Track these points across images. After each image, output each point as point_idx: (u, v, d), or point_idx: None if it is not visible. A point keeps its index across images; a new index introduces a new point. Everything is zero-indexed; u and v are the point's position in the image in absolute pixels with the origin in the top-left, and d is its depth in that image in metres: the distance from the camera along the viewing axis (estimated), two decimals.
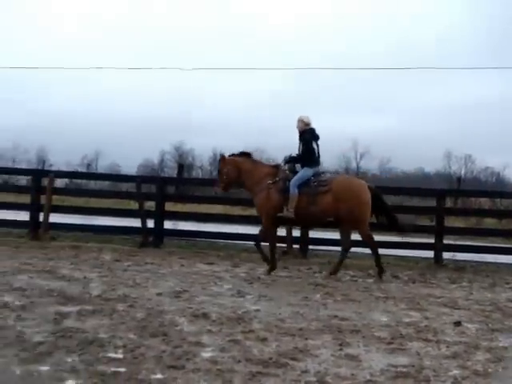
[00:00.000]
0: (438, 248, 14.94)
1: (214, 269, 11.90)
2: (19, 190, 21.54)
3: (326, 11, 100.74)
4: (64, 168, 41.60)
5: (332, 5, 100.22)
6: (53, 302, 7.77)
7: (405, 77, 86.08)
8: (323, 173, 12.34)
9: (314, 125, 12.06)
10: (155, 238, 15.48)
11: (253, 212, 13.87)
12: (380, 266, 11.79)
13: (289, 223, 12.16)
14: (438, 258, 14.81)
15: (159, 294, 8.67)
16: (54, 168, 38.04)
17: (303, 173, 11.71)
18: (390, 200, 22.47)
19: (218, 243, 15.81)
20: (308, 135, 11.88)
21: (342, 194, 11.42)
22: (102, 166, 68.58)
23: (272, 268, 11.73)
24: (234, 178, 12.18)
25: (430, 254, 15.02)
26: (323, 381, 5.14)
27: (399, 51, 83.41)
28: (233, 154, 12.40)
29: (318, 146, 11.97)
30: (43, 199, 15.79)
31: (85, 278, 9.81)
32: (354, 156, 74.90)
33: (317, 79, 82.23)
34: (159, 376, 5.04)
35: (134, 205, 16.77)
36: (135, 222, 15.64)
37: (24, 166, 57.79)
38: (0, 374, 4.88)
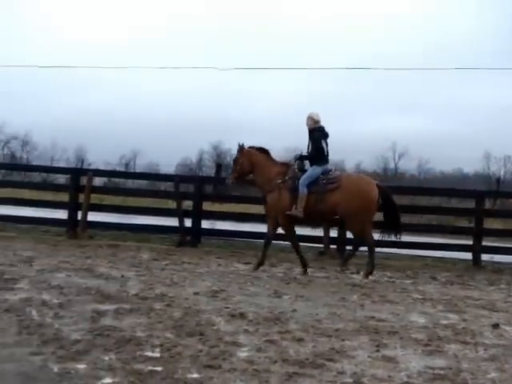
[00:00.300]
0: (477, 250, 14.82)
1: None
2: (58, 188, 21.68)
3: (366, 11, 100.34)
4: (102, 167, 41.80)
5: (375, 5, 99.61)
6: (90, 300, 7.82)
7: (444, 77, 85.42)
8: (331, 170, 12.25)
9: (323, 123, 12.03)
10: (193, 238, 15.51)
11: None
12: (345, 264, 11.89)
13: (297, 221, 12.10)
14: (476, 260, 14.68)
15: (196, 294, 8.68)
16: (92, 167, 38.24)
17: (312, 171, 11.71)
18: (430, 201, 22.29)
19: (256, 243, 15.74)
20: (317, 133, 11.85)
21: (350, 190, 11.41)
22: (140, 165, 68.93)
23: (304, 265, 11.78)
24: (247, 170, 12.30)
25: (469, 255, 14.90)
26: (360, 382, 5.12)
27: (436, 51, 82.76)
28: (252, 147, 12.43)
29: (327, 144, 11.93)
30: (81, 198, 15.89)
31: (122, 276, 9.85)
32: (393, 157, 74.56)
33: (355, 79, 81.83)
34: (195, 375, 5.04)
35: (172, 204, 16.81)
36: (173, 222, 15.69)
37: (62, 165, 58.37)
38: (38, 371, 4.91)
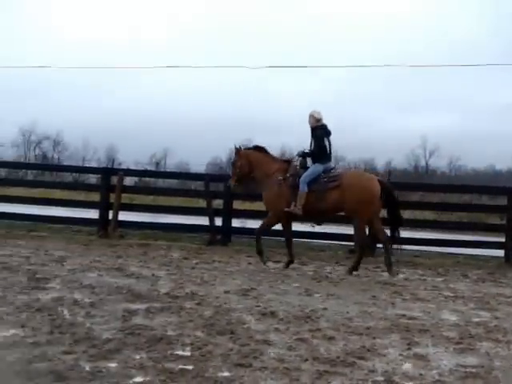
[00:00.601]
0: (509, 247, 14.68)
1: (282, 267, 11.87)
2: (89, 188, 21.82)
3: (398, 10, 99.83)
4: (133, 167, 42.03)
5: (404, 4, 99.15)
6: (121, 299, 7.86)
7: (475, 74, 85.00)
8: (334, 168, 12.35)
9: (325, 121, 12.08)
10: (223, 236, 15.52)
11: None
12: (358, 263, 11.74)
13: (296, 218, 12.16)
14: (508, 257, 14.56)
15: (227, 292, 8.70)
16: (122, 167, 38.42)
17: (313, 169, 11.77)
18: (461, 199, 22.10)
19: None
20: (320, 131, 11.89)
21: (351, 188, 11.43)
22: (170, 165, 69.24)
23: (290, 262, 12.00)
24: (247, 171, 12.37)
25: (501, 253, 14.77)
26: (391, 380, 5.09)
27: (468, 48, 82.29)
28: (248, 148, 12.63)
29: (329, 142, 11.99)
30: (112, 197, 15.95)
31: (153, 275, 9.89)
32: (423, 154, 74.24)
33: (385, 77, 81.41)
34: (226, 374, 5.04)
35: (202, 203, 16.85)
36: (203, 220, 15.71)
37: (94, 165, 58.85)
38: (70, 370, 4.93)
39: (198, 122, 78.67)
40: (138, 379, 4.84)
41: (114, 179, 16.20)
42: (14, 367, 4.94)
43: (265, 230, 12.27)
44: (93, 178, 29.35)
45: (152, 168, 60.64)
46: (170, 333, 6.26)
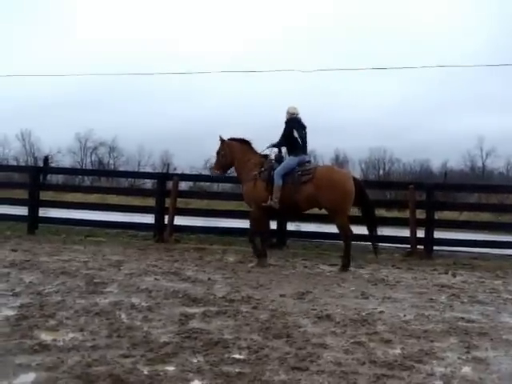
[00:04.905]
0: None
1: (337, 270, 11.84)
2: (144, 193, 22.02)
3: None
4: (187, 171, 42.36)
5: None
6: (178, 303, 7.90)
7: None
8: (309, 161, 12.52)
9: (301, 115, 12.36)
10: (278, 240, 15.50)
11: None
12: (347, 259, 11.94)
13: (274, 213, 12.36)
14: None
15: (283, 296, 8.69)
16: (177, 171, 38.74)
17: (287, 162, 12.01)
18: None
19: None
20: (291, 124, 12.14)
21: (324, 182, 11.57)
22: None
23: (260, 256, 12.18)
24: (229, 161, 12.78)
25: None
26: None
27: None
28: (233, 139, 12.85)
29: (303, 134, 12.20)
30: (168, 202, 16.03)
31: (209, 279, 9.93)
32: (480, 154, 73.37)
33: (440, 78, 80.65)
34: (283, 377, 5.04)
35: None
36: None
37: (149, 170, 59.46)
38: (128, 373, 4.98)
39: (252, 126, 78.68)
40: (196, 382, 4.87)
41: (169, 184, 16.31)
42: (74, 370, 5.00)
43: (263, 227, 12.64)
44: (148, 183, 29.68)
45: (206, 172, 60.99)
46: (226, 336, 6.28)
